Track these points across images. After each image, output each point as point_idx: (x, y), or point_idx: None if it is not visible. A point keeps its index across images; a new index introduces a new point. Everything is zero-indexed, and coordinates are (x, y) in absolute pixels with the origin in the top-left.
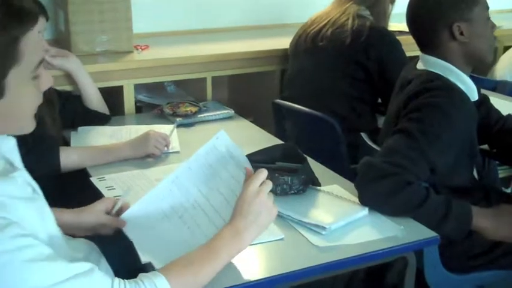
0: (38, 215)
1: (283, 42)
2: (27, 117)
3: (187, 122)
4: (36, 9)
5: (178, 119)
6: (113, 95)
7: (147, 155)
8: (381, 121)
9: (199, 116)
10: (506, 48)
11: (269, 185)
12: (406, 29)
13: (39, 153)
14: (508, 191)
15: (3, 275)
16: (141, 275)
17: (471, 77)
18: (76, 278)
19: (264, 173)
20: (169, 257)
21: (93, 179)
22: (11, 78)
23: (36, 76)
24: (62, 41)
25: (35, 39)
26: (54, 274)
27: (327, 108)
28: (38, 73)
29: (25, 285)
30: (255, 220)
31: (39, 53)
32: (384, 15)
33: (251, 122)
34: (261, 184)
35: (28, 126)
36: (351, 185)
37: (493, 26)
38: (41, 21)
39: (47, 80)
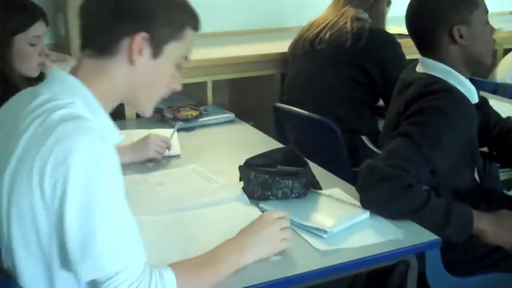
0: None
1: (283, 46)
2: (152, 97)
3: (188, 126)
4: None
5: (179, 123)
6: None
7: (147, 160)
8: (381, 124)
9: (200, 120)
10: (506, 51)
11: (286, 221)
12: (406, 32)
13: None
14: (510, 193)
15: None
16: (150, 265)
17: (471, 80)
18: (134, 233)
19: (284, 213)
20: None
21: None
22: (169, 48)
23: (178, 67)
24: (61, 45)
25: (190, 41)
26: (125, 216)
27: (327, 111)
28: (180, 65)
29: (102, 204)
30: (260, 243)
31: (188, 51)
32: (383, 17)
33: (252, 125)
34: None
35: (147, 108)
36: (352, 188)
37: (492, 29)
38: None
39: (180, 81)
